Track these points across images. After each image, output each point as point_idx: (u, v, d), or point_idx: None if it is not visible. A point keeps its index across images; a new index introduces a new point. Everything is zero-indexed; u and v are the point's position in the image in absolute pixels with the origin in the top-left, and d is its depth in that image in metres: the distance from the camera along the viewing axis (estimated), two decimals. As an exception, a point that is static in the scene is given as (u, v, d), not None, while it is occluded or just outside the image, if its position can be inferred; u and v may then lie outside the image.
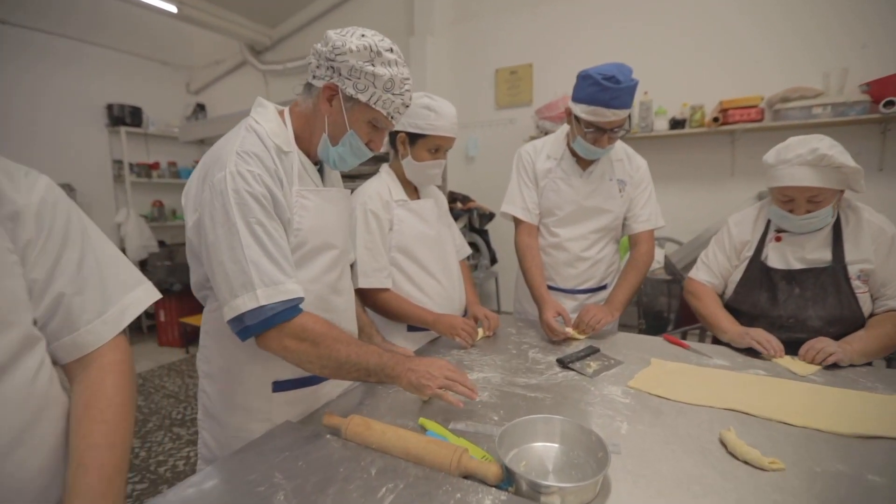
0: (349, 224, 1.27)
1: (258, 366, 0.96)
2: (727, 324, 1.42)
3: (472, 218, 3.47)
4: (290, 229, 0.95)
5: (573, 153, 1.71)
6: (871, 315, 1.34)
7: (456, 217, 3.51)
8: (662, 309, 2.87)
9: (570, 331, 1.50)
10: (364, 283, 1.43)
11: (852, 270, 1.31)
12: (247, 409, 0.99)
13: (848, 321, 1.33)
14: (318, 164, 1.11)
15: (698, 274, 1.60)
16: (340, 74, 0.95)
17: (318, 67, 0.99)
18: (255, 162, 0.88)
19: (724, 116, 2.85)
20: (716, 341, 1.62)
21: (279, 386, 1.00)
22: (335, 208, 1.08)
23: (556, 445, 0.88)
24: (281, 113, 1.04)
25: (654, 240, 1.79)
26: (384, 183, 1.54)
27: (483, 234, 3.52)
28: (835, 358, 1.21)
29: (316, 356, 0.88)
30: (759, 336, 1.31)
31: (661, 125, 3.03)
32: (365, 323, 1.32)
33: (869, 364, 1.29)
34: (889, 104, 2.53)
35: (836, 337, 1.30)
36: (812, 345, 1.24)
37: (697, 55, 3.08)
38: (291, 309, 0.86)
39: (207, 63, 5.36)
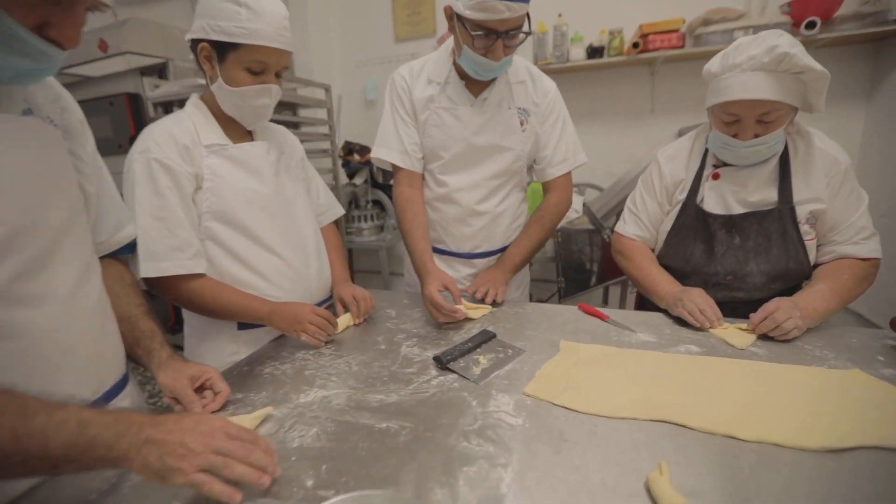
0: (52, 179, 0.74)
1: None
2: (665, 287, 1.12)
3: (372, 171, 3.00)
4: None
5: (461, 74, 1.29)
6: (817, 265, 1.10)
7: (354, 171, 3.02)
8: (585, 261, 2.63)
9: (460, 308, 1.14)
10: (151, 271, 0.97)
11: (801, 212, 1.04)
12: None
13: (793, 274, 1.07)
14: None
15: (626, 228, 1.29)
16: None
17: None
18: None
19: (644, 42, 2.54)
20: (642, 301, 1.35)
21: None
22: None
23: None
24: None
25: (572, 184, 1.44)
26: (186, 121, 1.05)
27: (387, 189, 3.07)
28: (798, 332, 0.95)
29: None
30: (692, 304, 1.02)
31: (578, 54, 2.67)
32: (144, 332, 0.87)
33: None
34: (811, 25, 2.32)
35: (777, 294, 1.05)
36: (773, 316, 0.95)
37: (615, -27, 2.72)
38: None
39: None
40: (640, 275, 1.19)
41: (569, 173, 1.39)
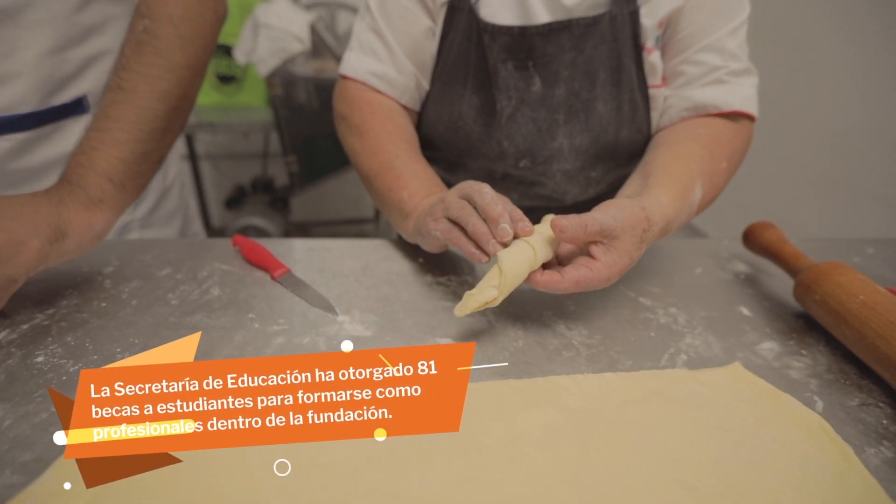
0: None
1: None
2: (413, 190, 0.51)
3: None
4: None
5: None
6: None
7: None
8: (316, 135, 1.93)
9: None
10: None
11: (649, 25, 0.53)
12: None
13: (623, 151, 0.60)
14: None
15: (354, 61, 0.58)
16: None
17: None
18: None
19: None
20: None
21: None
22: None
23: None
24: None
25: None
26: None
27: None
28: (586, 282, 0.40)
29: None
30: (458, 205, 0.42)
31: None
32: None
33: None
34: None
35: (594, 198, 0.58)
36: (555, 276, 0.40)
37: None
38: None
39: None
40: (374, 165, 0.55)
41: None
